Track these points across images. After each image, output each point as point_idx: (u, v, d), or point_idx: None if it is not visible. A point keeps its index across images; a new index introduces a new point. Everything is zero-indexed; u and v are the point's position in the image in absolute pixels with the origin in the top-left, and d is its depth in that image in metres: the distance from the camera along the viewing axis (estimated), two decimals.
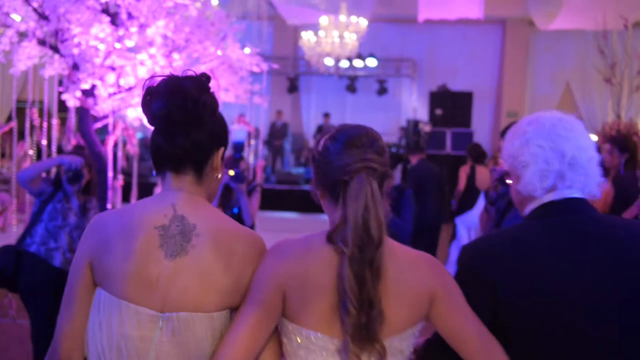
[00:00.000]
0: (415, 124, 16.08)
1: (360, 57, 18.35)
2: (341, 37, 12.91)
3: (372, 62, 18.32)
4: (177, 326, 1.65)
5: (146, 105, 1.72)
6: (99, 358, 1.68)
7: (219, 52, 4.75)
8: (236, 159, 4.48)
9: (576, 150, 1.76)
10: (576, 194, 1.77)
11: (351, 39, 13.04)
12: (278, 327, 1.70)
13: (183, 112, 1.68)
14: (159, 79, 1.73)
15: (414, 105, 18.85)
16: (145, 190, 7.40)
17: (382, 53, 18.44)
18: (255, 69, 5.30)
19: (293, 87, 18.86)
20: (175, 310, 1.65)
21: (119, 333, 1.65)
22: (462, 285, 1.70)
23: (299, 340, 1.66)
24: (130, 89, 4.79)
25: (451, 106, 15.75)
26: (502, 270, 1.68)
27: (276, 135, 17.57)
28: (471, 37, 18.68)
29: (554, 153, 1.76)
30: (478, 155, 8.25)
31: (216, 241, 1.69)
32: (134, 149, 5.01)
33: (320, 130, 17.32)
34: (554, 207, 1.76)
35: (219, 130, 1.79)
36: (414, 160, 8.06)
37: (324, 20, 12.88)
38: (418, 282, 1.66)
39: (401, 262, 1.67)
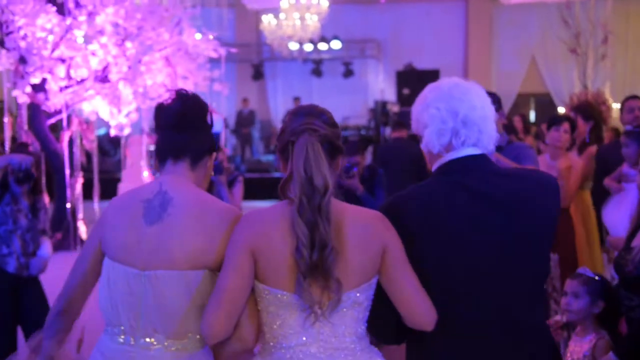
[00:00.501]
0: (383, 104, 15.94)
1: (324, 39, 18.11)
2: (302, 19, 12.63)
3: (336, 45, 18.09)
4: (156, 283, 1.93)
5: (163, 108, 2.06)
6: (106, 314, 2.01)
7: (166, 36, 4.54)
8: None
9: (468, 110, 1.99)
10: (472, 151, 2.01)
11: (313, 21, 12.81)
12: (256, 292, 1.88)
13: (193, 112, 2.08)
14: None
15: (380, 86, 18.70)
16: (109, 187, 7.15)
17: (346, 35, 18.23)
18: (213, 54, 5.09)
19: (258, 74, 18.58)
20: (154, 269, 1.94)
21: (115, 291, 1.98)
22: None
23: (269, 299, 1.85)
24: (82, 81, 4.55)
25: (418, 85, 15.51)
26: (409, 221, 1.94)
27: (243, 123, 17.31)
28: (434, 14, 18.55)
29: (449, 113, 1.99)
30: None
31: (190, 210, 1.98)
32: (90, 144, 4.78)
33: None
34: (451, 165, 2.01)
35: (213, 138, 2.16)
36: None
37: (284, 3, 12.62)
38: (374, 237, 1.86)
39: (360, 221, 1.88)
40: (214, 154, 2.17)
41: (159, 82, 4.60)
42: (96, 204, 5.45)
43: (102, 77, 4.48)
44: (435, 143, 2.03)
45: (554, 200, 2.05)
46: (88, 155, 5.81)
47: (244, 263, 1.84)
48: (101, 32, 4.56)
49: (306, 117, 1.91)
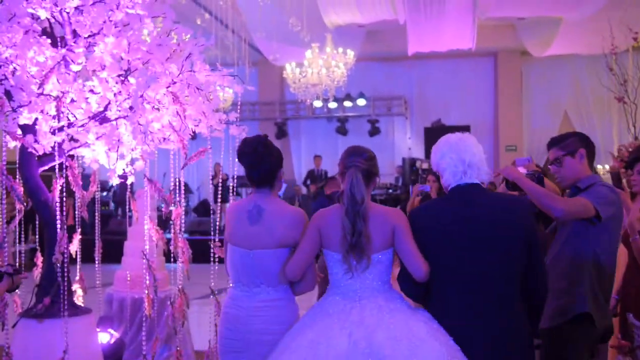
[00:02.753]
0: (411, 162, 15.31)
1: (350, 97, 17.70)
2: (328, 68, 12.09)
3: (362, 102, 17.65)
4: (256, 257, 3.28)
5: (239, 153, 3.44)
6: (232, 275, 3.41)
7: (174, 68, 3.93)
8: None
9: (471, 157, 3.07)
10: (473, 181, 3.08)
11: (339, 68, 12.23)
12: (320, 253, 3.23)
13: (258, 152, 3.36)
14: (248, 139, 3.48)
15: (408, 143, 18.13)
16: (114, 249, 6.48)
17: (372, 92, 17.83)
18: (228, 91, 4.46)
19: (281, 133, 18.13)
20: (256, 249, 3.28)
21: (235, 261, 3.35)
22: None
23: (328, 258, 3.17)
24: (73, 124, 3.93)
25: None
26: (423, 220, 3.11)
27: None
28: (462, 70, 18.09)
29: (459, 161, 3.07)
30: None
31: (274, 215, 3.30)
32: (79, 190, 4.13)
33: (311, 175, 16.49)
34: (455, 189, 3.10)
35: (278, 161, 3.40)
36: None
37: (308, 53, 12.12)
38: (388, 221, 3.10)
39: (378, 214, 3.12)
40: (281, 169, 3.42)
41: (165, 122, 3.95)
42: (98, 266, 4.74)
43: (102, 118, 3.84)
44: (452, 180, 3.11)
45: (522, 216, 3.04)
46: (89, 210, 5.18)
47: (314, 236, 3.17)
48: (101, 67, 3.95)
49: (353, 156, 3.16)
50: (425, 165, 13.66)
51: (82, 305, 4.92)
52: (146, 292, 4.52)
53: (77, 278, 5.05)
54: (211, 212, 7.82)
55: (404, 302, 3.08)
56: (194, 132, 4.94)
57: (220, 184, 16.66)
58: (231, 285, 3.41)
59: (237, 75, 4.38)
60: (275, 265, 3.25)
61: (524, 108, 17.80)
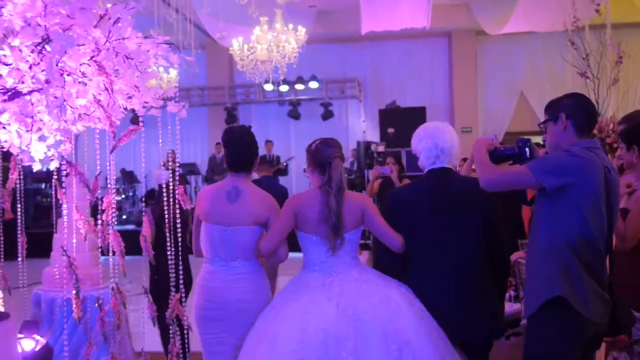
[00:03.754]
0: (366, 145, 14.87)
1: (302, 80, 17.14)
2: (278, 44, 11.37)
3: (314, 85, 17.11)
4: (234, 233, 3.62)
5: (228, 140, 3.82)
6: (207, 251, 3.71)
7: (97, 33, 3.35)
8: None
9: (444, 143, 3.58)
10: (445, 165, 3.60)
11: (289, 43, 11.54)
12: (297, 235, 3.63)
13: (240, 140, 3.80)
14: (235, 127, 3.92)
15: (362, 126, 17.70)
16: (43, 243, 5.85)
17: (325, 75, 17.28)
18: (162, 63, 3.89)
19: (231, 118, 17.48)
20: (233, 226, 3.63)
21: (212, 238, 3.66)
22: (382, 207, 4.00)
23: (303, 239, 3.60)
24: None
25: (404, 124, 14.59)
26: (400, 200, 3.66)
27: (216, 170, 16.11)
28: (416, 51, 17.72)
29: (433, 145, 3.58)
30: None
31: (251, 195, 3.69)
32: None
33: (263, 160, 15.88)
34: (429, 172, 3.62)
35: (253, 150, 3.82)
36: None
37: (257, 30, 11.41)
38: (357, 205, 3.59)
39: (350, 199, 3.59)
40: (257, 158, 3.85)
41: (90, 98, 3.37)
42: (22, 263, 4.15)
43: (13, 93, 3.24)
44: (427, 163, 3.62)
45: (484, 198, 3.44)
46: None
47: (290, 217, 3.56)
48: (14, 33, 3.34)
49: (331, 147, 3.61)
50: (380, 148, 13.22)
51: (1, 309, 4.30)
52: (73, 292, 3.96)
53: None
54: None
55: (374, 272, 3.56)
56: (133, 112, 4.37)
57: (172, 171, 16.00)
58: (206, 260, 3.72)
59: (173, 44, 3.80)
60: (251, 240, 3.60)
61: (479, 89, 17.51)
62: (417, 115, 15.19)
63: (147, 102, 4.29)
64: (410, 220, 3.51)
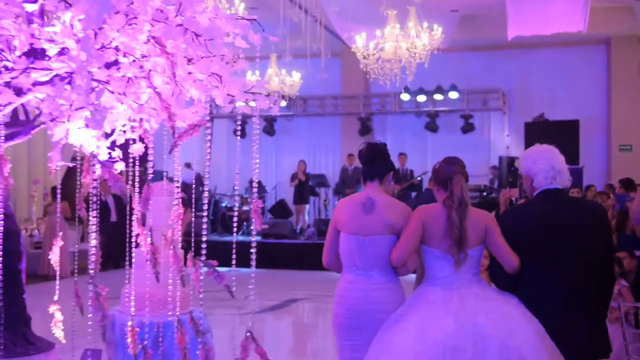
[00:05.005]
0: (509, 161, 13.58)
1: (441, 90, 16.11)
2: (409, 43, 10.24)
3: (454, 95, 16.04)
4: (371, 242, 3.67)
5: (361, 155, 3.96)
6: (345, 260, 3.79)
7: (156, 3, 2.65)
8: None
9: (559, 165, 3.66)
10: (558, 186, 3.66)
11: (420, 40, 10.32)
12: (420, 250, 3.67)
13: (376, 154, 3.91)
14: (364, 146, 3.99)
15: (505, 141, 16.33)
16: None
17: (466, 85, 16.17)
18: (242, 44, 3.12)
19: (365, 129, 16.76)
20: (371, 235, 3.69)
21: (350, 248, 3.73)
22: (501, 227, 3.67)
23: (426, 254, 3.63)
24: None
25: (553, 139, 13.15)
26: (515, 219, 3.72)
27: (348, 182, 15.40)
28: (569, 60, 16.14)
29: (550, 167, 3.64)
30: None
31: (385, 206, 3.74)
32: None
33: (396, 174, 15.03)
34: (546, 192, 3.66)
35: (387, 164, 3.92)
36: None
37: (387, 30, 10.36)
38: (480, 222, 3.58)
39: (474, 217, 3.57)
40: (391, 173, 3.92)
41: (159, 84, 2.70)
42: (94, 275, 3.56)
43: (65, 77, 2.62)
44: (544, 183, 3.67)
45: (601, 220, 3.72)
46: None
47: (418, 228, 3.60)
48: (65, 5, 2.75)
49: (456, 165, 3.65)
50: None
51: (60, 333, 3.70)
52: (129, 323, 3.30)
53: (56, 298, 3.89)
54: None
55: (494, 290, 3.65)
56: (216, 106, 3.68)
57: (298, 183, 15.58)
58: (344, 270, 3.82)
59: (256, 19, 3.04)
60: (387, 250, 3.68)
61: None
62: (568, 130, 13.73)
63: (232, 95, 3.56)
64: (526, 241, 3.58)
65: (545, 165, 3.62)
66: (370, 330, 3.58)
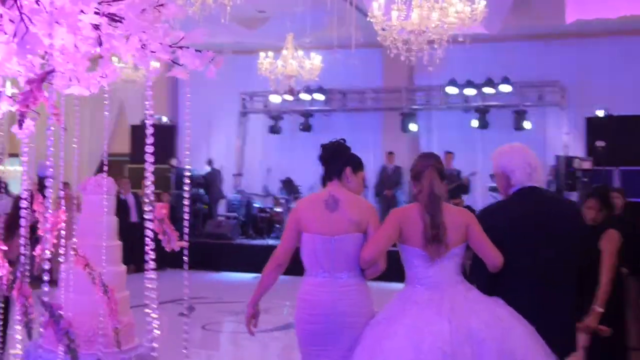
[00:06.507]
0: (568, 161, 12.18)
1: (491, 83, 14.74)
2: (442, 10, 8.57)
3: (506, 89, 14.65)
4: (337, 242, 3.54)
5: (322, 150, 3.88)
6: (308, 262, 3.64)
7: None
8: None
9: (534, 162, 3.72)
10: (534, 184, 3.70)
11: (455, 10, 8.62)
12: (399, 248, 3.58)
13: (331, 152, 3.82)
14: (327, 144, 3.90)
15: (564, 139, 14.83)
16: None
17: (519, 77, 14.75)
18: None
19: (408, 125, 15.48)
20: (336, 235, 3.55)
21: (314, 249, 3.58)
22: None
23: (407, 253, 3.54)
24: None
25: (618, 136, 11.72)
26: (495, 218, 3.67)
27: (387, 183, 14.18)
28: (637, 50, 14.50)
29: (526, 164, 3.67)
30: None
31: (349, 204, 3.61)
32: None
33: (442, 174, 13.72)
34: (522, 190, 3.66)
35: (342, 161, 3.79)
36: None
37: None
38: (461, 220, 3.53)
39: (453, 212, 3.56)
40: (348, 168, 3.76)
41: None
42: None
43: None
44: (523, 179, 3.68)
45: (575, 218, 3.84)
46: None
47: (394, 227, 3.53)
48: None
49: (429, 159, 3.67)
50: (586, 165, 10.62)
51: None
52: None
53: None
54: None
55: (477, 290, 3.54)
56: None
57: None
58: (308, 273, 3.66)
59: None
60: (355, 249, 3.58)
61: None
62: (635, 126, 12.24)
63: (153, 52, 2.53)
64: (508, 240, 3.55)
65: (522, 162, 3.69)
66: (341, 336, 3.49)
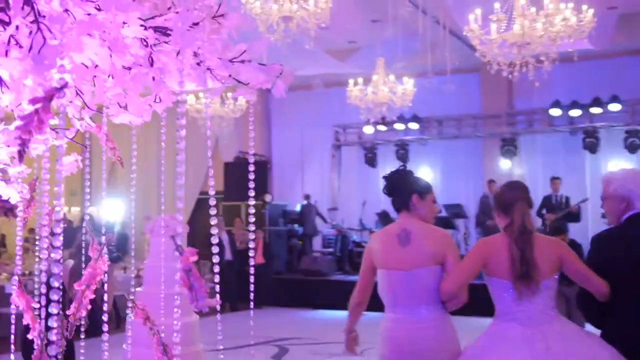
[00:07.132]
0: None
1: (599, 102, 13.78)
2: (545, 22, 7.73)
3: (615, 107, 13.65)
4: (413, 277, 3.42)
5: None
6: (387, 300, 3.55)
7: None
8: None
9: None
10: None
11: (562, 17, 7.81)
12: (486, 281, 3.41)
13: (393, 183, 3.69)
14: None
15: None
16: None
17: (630, 95, 13.70)
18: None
19: (510, 150, 14.68)
20: (412, 269, 3.44)
21: (390, 285, 3.51)
22: (592, 251, 3.58)
23: (495, 286, 3.36)
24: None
25: None
26: (607, 244, 3.51)
27: (488, 212, 13.40)
28: None
29: None
30: None
31: (422, 235, 3.51)
32: None
33: (547, 202, 12.86)
34: (637, 215, 3.43)
35: (407, 190, 3.64)
36: None
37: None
38: (552, 251, 3.35)
39: (544, 244, 3.35)
40: (415, 195, 3.60)
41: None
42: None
43: None
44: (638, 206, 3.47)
45: None
46: None
47: (477, 261, 3.40)
48: None
49: (518, 191, 3.47)
50: None
51: None
52: None
53: None
54: None
55: (576, 326, 3.45)
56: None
57: None
58: (387, 310, 3.56)
59: None
60: (432, 282, 3.45)
61: None
62: None
63: (208, 68, 2.17)
64: (623, 268, 3.34)
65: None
66: None
